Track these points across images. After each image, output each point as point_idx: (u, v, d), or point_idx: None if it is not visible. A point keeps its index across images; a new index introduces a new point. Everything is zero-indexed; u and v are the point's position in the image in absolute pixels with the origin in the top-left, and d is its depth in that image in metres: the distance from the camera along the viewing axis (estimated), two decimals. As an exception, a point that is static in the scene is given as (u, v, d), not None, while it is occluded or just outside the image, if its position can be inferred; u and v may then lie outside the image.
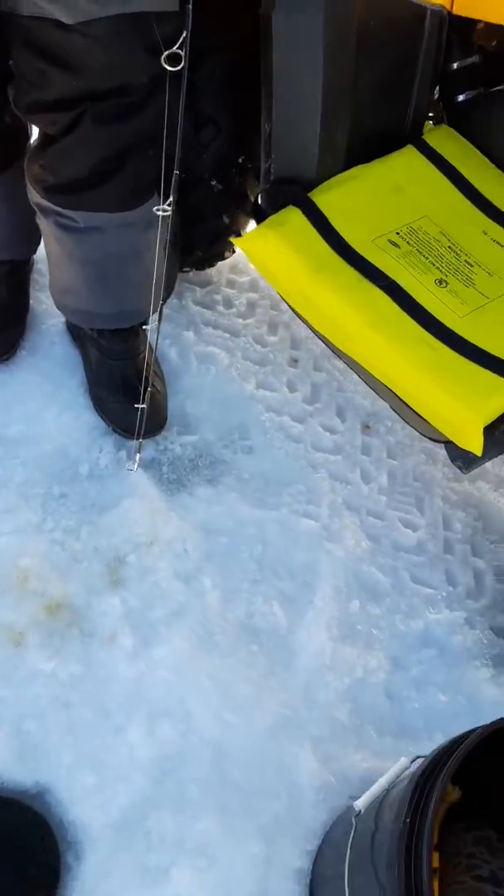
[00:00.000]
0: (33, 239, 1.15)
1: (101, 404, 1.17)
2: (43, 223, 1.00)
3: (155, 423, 1.15)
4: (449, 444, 0.94)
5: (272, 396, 1.28)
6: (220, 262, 1.36)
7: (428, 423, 0.93)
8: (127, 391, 1.12)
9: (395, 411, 1.05)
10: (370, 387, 1.03)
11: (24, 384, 1.18)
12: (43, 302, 1.27)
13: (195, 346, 1.30)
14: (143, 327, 1.11)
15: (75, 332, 1.22)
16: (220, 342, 1.32)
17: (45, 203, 0.94)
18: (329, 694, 0.98)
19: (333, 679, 1.00)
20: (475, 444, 0.86)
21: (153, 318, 1.03)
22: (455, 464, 0.96)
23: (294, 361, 1.35)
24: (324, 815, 0.90)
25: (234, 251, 1.33)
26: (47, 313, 1.26)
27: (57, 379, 1.20)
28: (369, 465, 1.25)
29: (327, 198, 0.97)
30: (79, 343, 1.22)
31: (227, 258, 1.34)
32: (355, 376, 1.12)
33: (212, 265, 1.36)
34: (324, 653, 1.01)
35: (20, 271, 1.23)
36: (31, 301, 1.26)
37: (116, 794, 0.87)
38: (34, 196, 0.96)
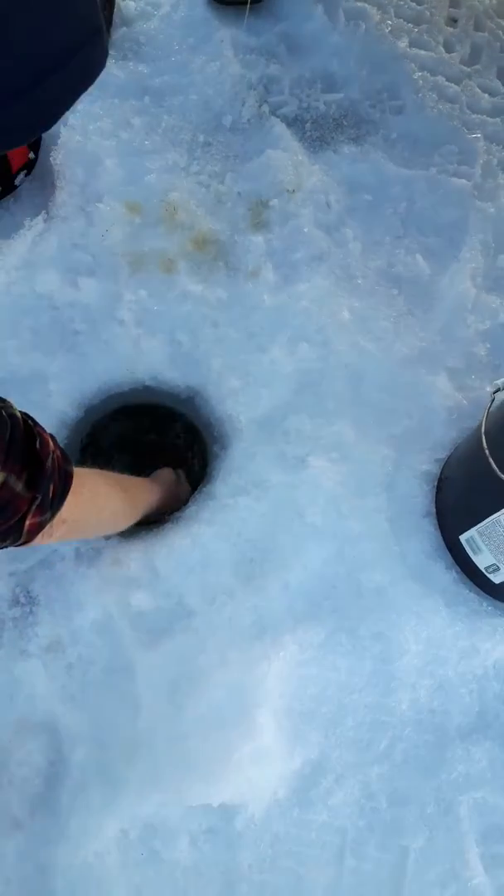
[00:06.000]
0: None
1: None
2: None
3: None
4: None
5: (426, 56, 1.17)
6: None
7: None
8: None
9: None
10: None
11: (169, 38, 1.14)
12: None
13: (344, 2, 1.19)
14: None
15: None
16: (371, -1, 1.20)
17: None
18: (468, 332, 0.98)
19: (475, 321, 0.99)
20: None
21: None
22: None
23: (453, 21, 1.21)
24: (453, 433, 0.93)
25: None
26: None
27: (200, 31, 1.15)
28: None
29: None
30: None
31: None
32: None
33: None
34: (466, 298, 1.00)
35: None
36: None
37: (259, 398, 0.94)
38: None
